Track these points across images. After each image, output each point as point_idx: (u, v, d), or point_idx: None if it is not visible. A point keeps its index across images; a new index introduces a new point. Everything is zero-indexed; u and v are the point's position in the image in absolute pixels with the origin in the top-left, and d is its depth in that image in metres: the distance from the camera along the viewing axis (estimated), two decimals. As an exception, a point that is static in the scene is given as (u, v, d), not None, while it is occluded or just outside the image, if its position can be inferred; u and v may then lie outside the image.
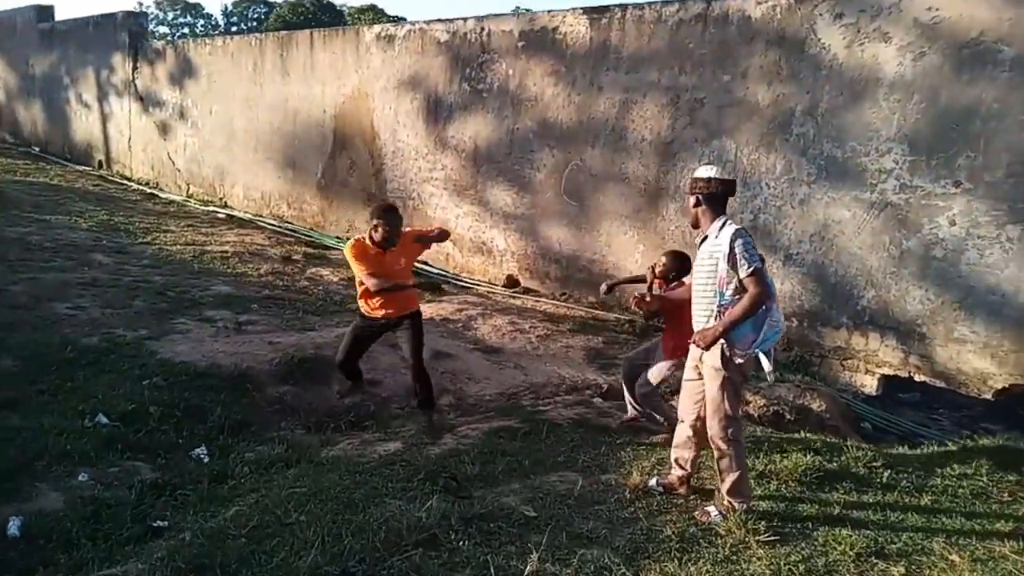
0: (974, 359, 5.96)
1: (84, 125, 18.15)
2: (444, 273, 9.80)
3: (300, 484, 3.97)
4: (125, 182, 15.97)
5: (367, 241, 4.90)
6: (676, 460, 4.02)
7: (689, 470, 4.00)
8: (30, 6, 19.43)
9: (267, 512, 3.61)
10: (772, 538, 3.49)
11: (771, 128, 6.91)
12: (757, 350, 3.59)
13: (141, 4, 73.48)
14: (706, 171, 3.69)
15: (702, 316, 3.68)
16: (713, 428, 3.67)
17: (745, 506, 3.69)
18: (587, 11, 8.17)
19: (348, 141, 11.32)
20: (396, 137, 10.49)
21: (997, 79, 5.65)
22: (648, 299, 4.34)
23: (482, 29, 9.19)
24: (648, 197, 7.83)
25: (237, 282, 8.23)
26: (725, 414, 3.63)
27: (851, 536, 3.53)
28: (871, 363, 6.57)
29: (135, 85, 15.99)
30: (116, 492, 3.99)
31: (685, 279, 4.55)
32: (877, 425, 6.38)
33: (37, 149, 19.47)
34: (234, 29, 78.23)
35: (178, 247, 9.72)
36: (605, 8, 8.00)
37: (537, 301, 8.51)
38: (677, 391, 4.44)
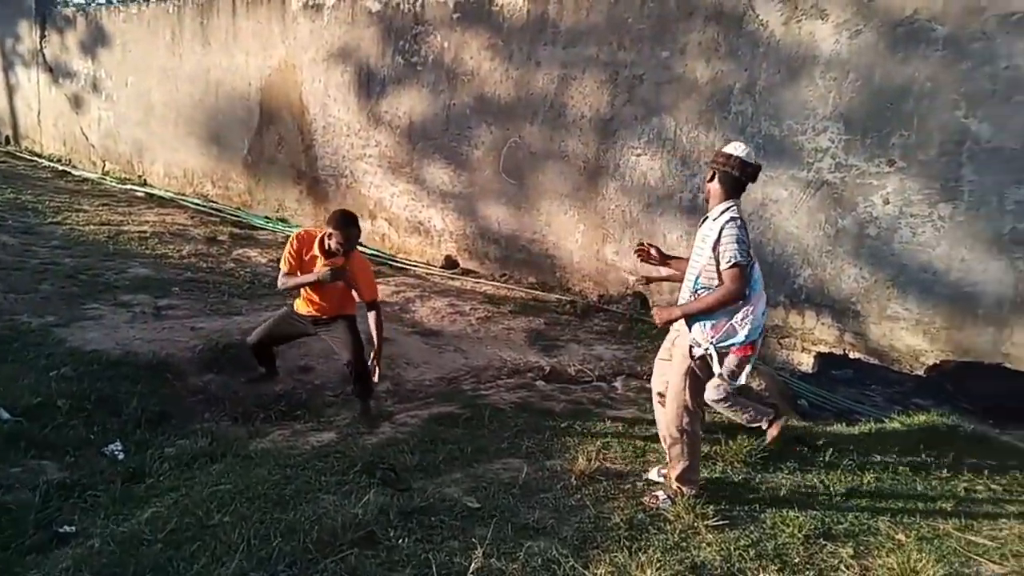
0: (907, 336, 6.06)
1: (-14, 97, 16.90)
2: (379, 254, 9.49)
3: (225, 481, 3.69)
4: (35, 158, 14.96)
5: (316, 242, 4.61)
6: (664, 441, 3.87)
7: None
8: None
9: (187, 513, 3.33)
10: (721, 522, 3.43)
11: (710, 106, 6.85)
12: (711, 347, 3.38)
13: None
14: (733, 147, 3.41)
15: (684, 296, 3.54)
16: (669, 414, 3.56)
17: (693, 491, 3.61)
18: (525, -17, 7.95)
19: (276, 116, 10.80)
20: (327, 112, 10.06)
21: (930, 57, 5.70)
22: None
23: None
24: (588, 176, 7.70)
25: (156, 264, 7.75)
26: (683, 403, 3.50)
27: (798, 518, 3.49)
28: (807, 341, 6.64)
29: (43, 55, 14.93)
30: (18, 495, 3.61)
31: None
32: (813, 402, 6.46)
33: (-66, 123, 18.06)
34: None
35: (92, 227, 9.11)
36: (543, -20, 7.79)
37: (477, 282, 8.31)
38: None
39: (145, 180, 13.21)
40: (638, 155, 7.32)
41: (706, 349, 3.38)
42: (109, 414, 4.51)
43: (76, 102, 14.55)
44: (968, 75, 5.52)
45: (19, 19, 15.18)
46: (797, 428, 4.74)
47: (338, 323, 4.79)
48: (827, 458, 4.22)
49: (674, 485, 3.64)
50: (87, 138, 14.51)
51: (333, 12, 9.75)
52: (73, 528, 3.36)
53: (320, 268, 4.55)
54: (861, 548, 3.29)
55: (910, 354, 6.08)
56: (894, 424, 5.06)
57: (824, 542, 3.33)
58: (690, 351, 3.44)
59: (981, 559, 3.20)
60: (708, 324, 3.35)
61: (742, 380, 4.13)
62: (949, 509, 3.67)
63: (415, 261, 9.28)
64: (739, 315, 3.31)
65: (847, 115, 6.14)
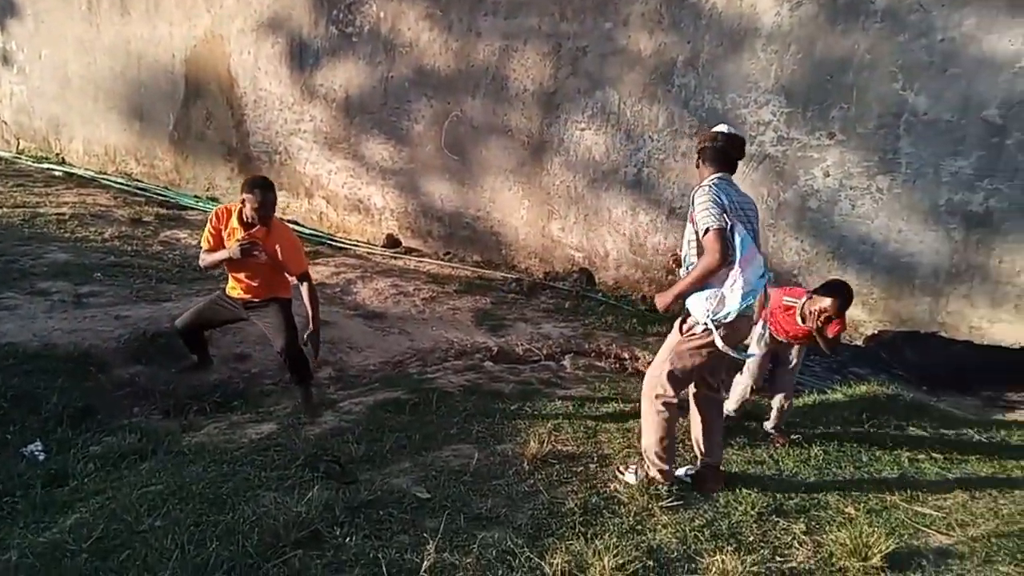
0: (846, 306, 6.16)
1: None
2: (317, 234, 9.17)
3: (156, 481, 3.46)
4: (-62, 136, 13.91)
5: (235, 214, 4.32)
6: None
7: (703, 448, 3.65)
8: None
9: (115, 518, 3.10)
10: (675, 503, 3.39)
11: (653, 79, 6.78)
12: (708, 320, 3.21)
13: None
14: (718, 127, 3.41)
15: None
16: (647, 382, 3.45)
17: (656, 473, 3.52)
18: (463, -50, 7.69)
19: (203, 89, 10.28)
20: (257, 85, 9.61)
21: (869, 30, 5.73)
22: None
23: (349, -33, 8.48)
24: (532, 150, 7.56)
25: (77, 248, 7.28)
26: (661, 378, 3.36)
27: (751, 495, 3.48)
28: (751, 314, 6.69)
29: (-57, 23, 13.85)
30: (-75, 505, 3.33)
31: None
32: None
33: None
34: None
35: (4, 210, 8.51)
36: (482, -52, 7.55)
37: (420, 261, 8.11)
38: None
39: (63, 158, 12.45)
40: (582, 129, 7.21)
41: (704, 323, 3.23)
42: (27, 412, 4.19)
43: (-16, 75, 13.58)
44: (905, 47, 5.58)
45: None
46: (745, 402, 4.74)
47: (270, 307, 4.50)
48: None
49: (640, 458, 3.59)
50: (-2, 114, 13.59)
51: (261, -21, 9.28)
52: (-12, 539, 3.10)
53: (234, 243, 4.25)
54: (813, 524, 3.30)
55: (850, 324, 6.16)
56: (836, 395, 5.12)
57: (777, 519, 3.33)
58: (680, 329, 3.35)
59: (929, 530, 3.24)
60: (702, 297, 3.22)
61: (754, 350, 4.12)
62: (895, 480, 3.72)
63: (355, 241, 9.01)
64: (728, 281, 3.16)
65: (788, 88, 6.15)
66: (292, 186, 9.57)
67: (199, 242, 7.57)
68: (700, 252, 3.20)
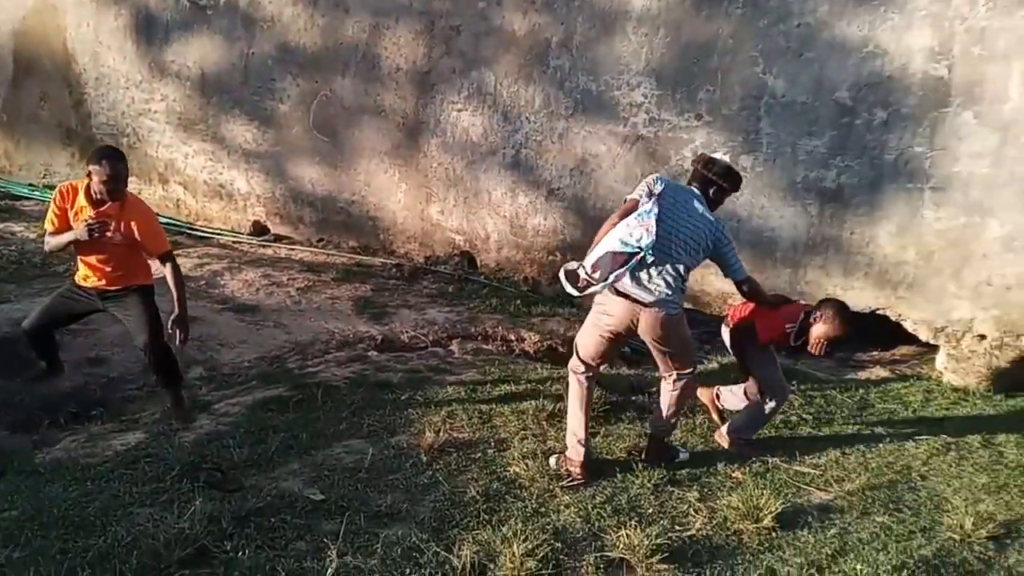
0: (716, 281, 6.46)
1: None
2: (175, 222, 8.52)
3: (9, 506, 3.08)
4: None
5: (82, 191, 3.85)
6: None
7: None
8: None
9: (-40, 555, 2.73)
10: (575, 482, 3.41)
11: (529, 59, 6.77)
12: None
13: None
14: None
15: None
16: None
17: (567, 466, 3.52)
18: (325, -79, 7.31)
19: (35, 66, 9.24)
20: (99, 61, 8.75)
21: (732, 15, 5.97)
22: None
23: (200, -66, 7.86)
24: (408, 132, 7.36)
25: None
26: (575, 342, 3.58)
27: (645, 467, 3.57)
28: (629, 291, 6.88)
29: None
30: None
31: None
32: (635, 348, 6.73)
33: None
34: None
35: None
36: (346, -81, 7.21)
37: (292, 249, 7.73)
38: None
39: None
40: (459, 110, 7.09)
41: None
42: None
43: None
44: (765, 32, 5.86)
45: None
46: (631, 377, 4.87)
47: (130, 297, 4.02)
48: (663, 404, 4.35)
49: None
50: None
51: (97, -56, 8.43)
52: None
53: (81, 223, 3.77)
54: (705, 491, 3.43)
55: (719, 297, 6.50)
56: (712, 365, 5.37)
57: (672, 488, 3.43)
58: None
59: (809, 488, 3.46)
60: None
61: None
62: (774, 443, 3.94)
63: (218, 229, 8.45)
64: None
65: (658, 70, 6.32)
66: (144, 171, 8.83)
67: (40, 236, 6.84)
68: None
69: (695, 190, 3.52)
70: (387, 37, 7.22)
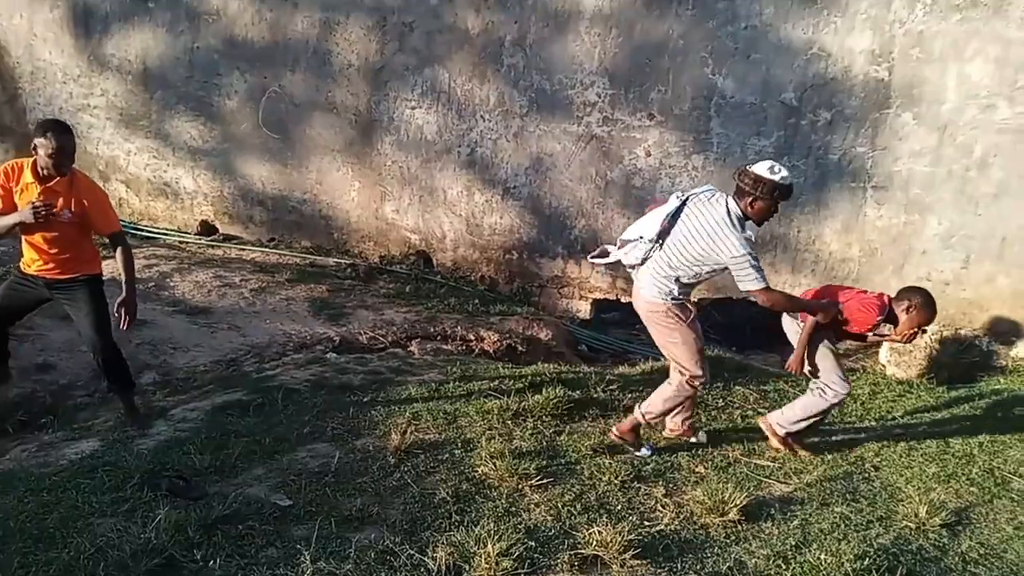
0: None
1: None
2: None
3: (-42, 522, 2.95)
4: None
5: (27, 168, 3.65)
6: None
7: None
8: None
9: (-90, 575, 2.61)
10: (544, 480, 3.45)
11: (483, 58, 6.77)
12: None
13: None
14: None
15: None
16: None
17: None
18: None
19: (-39, 57, 8.80)
20: (34, 54, 8.39)
21: (682, 16, 6.09)
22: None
23: (140, -76, 7.61)
24: (361, 129, 7.28)
25: None
26: None
27: (612, 464, 3.63)
28: (584, 289, 6.97)
29: None
30: None
31: None
32: (591, 346, 6.82)
33: None
34: None
35: None
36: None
37: (243, 249, 7.56)
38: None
39: None
40: (413, 108, 7.05)
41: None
42: None
43: None
44: (714, 34, 6.00)
45: None
46: (590, 374, 4.93)
47: (79, 290, 3.83)
48: (625, 401, 4.43)
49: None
50: None
51: (29, -69, 8.08)
52: None
53: (28, 203, 3.57)
54: (671, 486, 3.50)
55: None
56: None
57: (638, 484, 3.50)
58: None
59: (770, 480, 3.57)
60: None
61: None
62: (733, 437, 4.05)
63: (164, 229, 8.22)
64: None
65: (612, 70, 6.40)
66: (84, 168, 8.34)
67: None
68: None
69: (726, 205, 3.57)
70: (338, 32, 7.13)
